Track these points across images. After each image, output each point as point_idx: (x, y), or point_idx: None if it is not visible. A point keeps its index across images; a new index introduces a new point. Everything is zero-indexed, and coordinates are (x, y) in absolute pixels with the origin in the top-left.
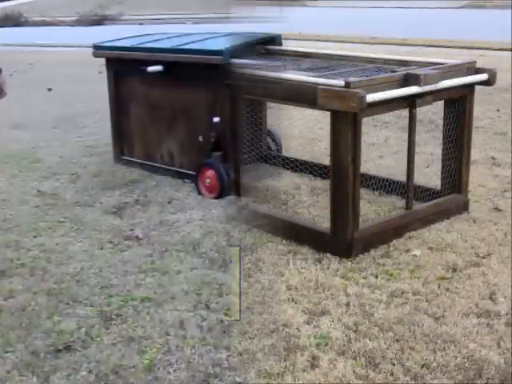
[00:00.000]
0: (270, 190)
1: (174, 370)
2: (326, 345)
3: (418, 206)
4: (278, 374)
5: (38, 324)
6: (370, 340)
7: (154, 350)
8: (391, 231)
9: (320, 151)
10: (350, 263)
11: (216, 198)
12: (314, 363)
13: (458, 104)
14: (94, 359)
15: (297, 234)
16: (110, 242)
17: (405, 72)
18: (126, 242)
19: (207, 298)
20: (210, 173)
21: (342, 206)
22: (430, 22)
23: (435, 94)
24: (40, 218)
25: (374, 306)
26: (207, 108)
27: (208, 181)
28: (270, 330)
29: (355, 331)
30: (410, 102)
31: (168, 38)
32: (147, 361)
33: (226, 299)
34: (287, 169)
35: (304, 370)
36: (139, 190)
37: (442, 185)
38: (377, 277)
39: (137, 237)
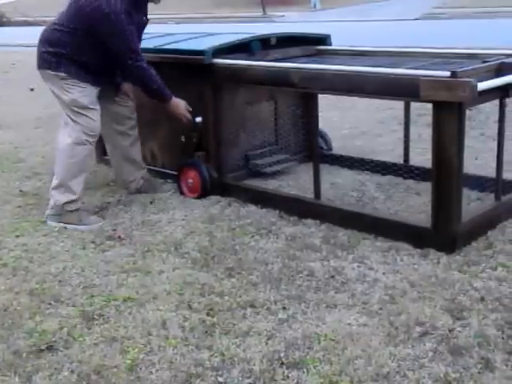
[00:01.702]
0: (337, 188)
1: (157, 370)
2: (489, 344)
3: (504, 197)
4: (454, 378)
5: (20, 324)
6: None
7: (136, 349)
8: (487, 223)
9: (359, 148)
10: (458, 257)
11: (198, 197)
12: (487, 365)
13: None
14: (76, 359)
15: (392, 230)
16: (93, 242)
17: (499, 61)
18: (108, 242)
19: (189, 297)
20: (192, 173)
21: (446, 199)
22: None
23: None
24: (22, 217)
25: (511, 299)
26: (190, 107)
27: (190, 181)
28: (419, 333)
29: (510, 328)
30: (504, 91)
31: (152, 38)
32: (129, 361)
33: (208, 299)
34: (342, 167)
35: (479, 373)
36: (121, 190)
37: None
38: (495, 269)
39: (119, 237)
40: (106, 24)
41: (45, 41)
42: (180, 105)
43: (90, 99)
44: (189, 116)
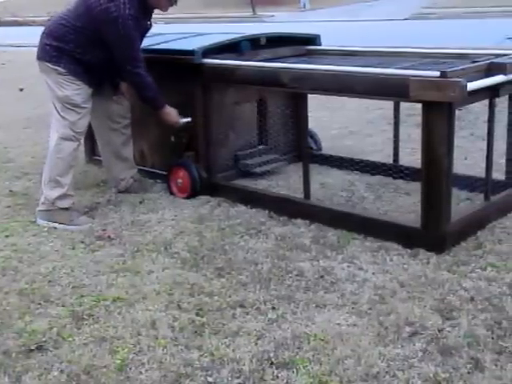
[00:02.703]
0: (326, 188)
1: (146, 370)
2: (479, 344)
3: (494, 197)
4: (444, 378)
5: (9, 324)
6: None
7: (126, 350)
8: (476, 223)
9: (348, 148)
10: (447, 257)
11: (188, 197)
12: (477, 365)
13: None
14: (65, 359)
15: (382, 230)
16: (82, 242)
17: (489, 61)
18: (97, 242)
19: (179, 297)
20: (181, 173)
21: (436, 199)
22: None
23: None
24: (12, 218)
25: (501, 299)
26: (180, 108)
27: (180, 181)
28: (409, 333)
29: (499, 328)
30: (493, 91)
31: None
32: (119, 361)
33: (198, 299)
34: (331, 167)
35: (469, 373)
36: (111, 190)
37: (508, 175)
38: (485, 269)
39: (109, 237)
40: (112, 27)
41: (49, 34)
42: (172, 113)
43: (83, 98)
44: (180, 124)
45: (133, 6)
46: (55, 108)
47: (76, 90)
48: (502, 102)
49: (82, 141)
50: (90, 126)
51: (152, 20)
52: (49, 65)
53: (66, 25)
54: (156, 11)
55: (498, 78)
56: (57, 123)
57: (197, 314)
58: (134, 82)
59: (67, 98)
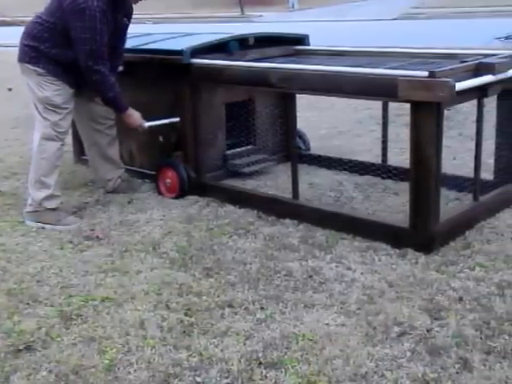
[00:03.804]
0: (315, 188)
1: (135, 370)
2: (467, 344)
3: (482, 197)
4: (432, 378)
5: None
6: (510, 336)
7: (114, 349)
8: (465, 223)
9: (337, 148)
10: (436, 257)
11: (176, 197)
12: (465, 365)
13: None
14: (54, 359)
15: (370, 230)
16: (71, 242)
17: (477, 61)
18: (86, 242)
19: (167, 297)
20: (170, 173)
21: (424, 199)
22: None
23: (501, 83)
24: (0, 218)
25: (489, 299)
26: (168, 108)
27: (168, 181)
28: (397, 333)
29: (487, 328)
30: (482, 91)
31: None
32: (107, 361)
33: (186, 299)
34: (320, 167)
35: (458, 373)
36: (99, 190)
37: (496, 175)
38: (473, 269)
39: (97, 237)
40: (78, 18)
41: (27, 34)
42: (134, 116)
43: (64, 99)
44: (144, 127)
45: None
46: (37, 109)
47: (56, 91)
48: (490, 102)
49: (67, 141)
50: (77, 127)
51: (132, 18)
52: (28, 66)
53: (40, 23)
54: (143, 11)
55: (487, 78)
56: (39, 124)
57: (185, 314)
58: (94, 81)
59: (47, 98)
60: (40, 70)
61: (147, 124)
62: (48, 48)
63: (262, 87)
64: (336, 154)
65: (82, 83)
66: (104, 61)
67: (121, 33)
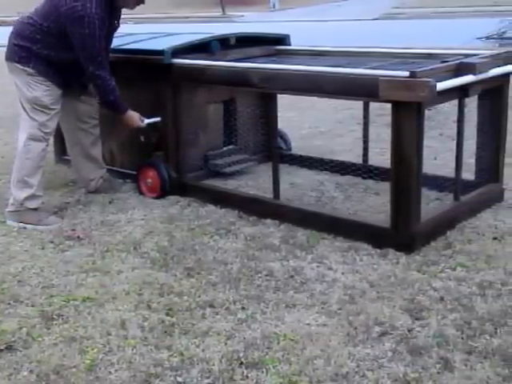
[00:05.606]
0: (296, 188)
1: (116, 370)
2: (448, 344)
3: (463, 197)
4: (413, 378)
5: None
6: (491, 336)
7: (96, 349)
8: (446, 223)
9: (318, 148)
10: (417, 257)
11: (157, 197)
12: (446, 365)
13: (494, 93)
14: (35, 359)
15: (351, 230)
16: (52, 242)
17: (458, 61)
18: (67, 242)
19: (148, 297)
20: (151, 173)
21: (405, 199)
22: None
23: (482, 83)
24: None
25: (470, 299)
26: (149, 108)
27: (149, 181)
28: (379, 333)
29: (469, 328)
30: (463, 91)
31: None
32: (88, 361)
33: (168, 299)
34: (301, 167)
35: (439, 373)
36: (80, 190)
37: (477, 175)
38: (454, 269)
39: (78, 237)
40: (77, 26)
41: (17, 33)
42: (134, 117)
43: (53, 99)
44: (144, 125)
45: (99, 5)
46: (24, 109)
47: (45, 91)
48: (471, 102)
49: (51, 141)
50: (59, 127)
51: (121, 20)
52: (18, 65)
53: (33, 24)
54: (125, 11)
55: (468, 78)
56: (25, 124)
57: (166, 314)
58: (95, 85)
59: (36, 98)
60: (30, 70)
61: (146, 121)
62: (40, 49)
63: (243, 87)
64: (317, 153)
65: (72, 83)
66: (103, 65)
67: (111, 36)
